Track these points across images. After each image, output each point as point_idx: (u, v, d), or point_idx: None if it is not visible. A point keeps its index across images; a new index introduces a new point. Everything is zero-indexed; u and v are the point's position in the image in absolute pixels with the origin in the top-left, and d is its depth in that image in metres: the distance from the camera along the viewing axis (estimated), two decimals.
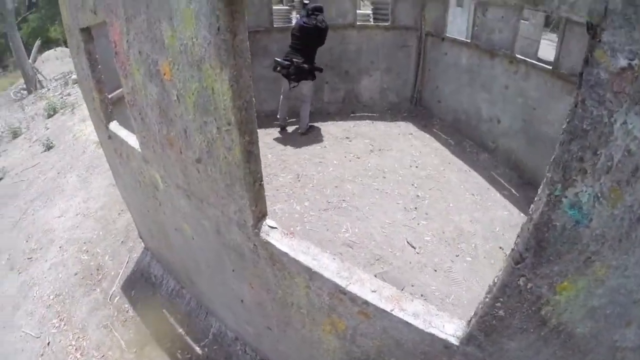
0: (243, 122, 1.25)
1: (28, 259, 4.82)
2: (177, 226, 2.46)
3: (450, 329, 1.12)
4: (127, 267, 4.10)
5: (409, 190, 4.27)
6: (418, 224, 3.77)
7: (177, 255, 2.99)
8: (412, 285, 3.14)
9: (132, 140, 2.48)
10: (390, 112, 6.07)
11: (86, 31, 2.45)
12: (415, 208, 3.98)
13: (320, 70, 5.15)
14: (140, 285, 3.88)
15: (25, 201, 6.11)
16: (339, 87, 6.00)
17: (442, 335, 1.12)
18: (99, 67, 2.69)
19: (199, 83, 1.25)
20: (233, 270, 2.10)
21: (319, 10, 4.94)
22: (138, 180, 2.70)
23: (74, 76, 14.93)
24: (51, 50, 20.51)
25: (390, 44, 5.68)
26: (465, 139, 5.24)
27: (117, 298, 3.81)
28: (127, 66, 1.78)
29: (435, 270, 3.30)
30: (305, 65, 4.89)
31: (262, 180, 1.53)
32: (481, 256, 3.48)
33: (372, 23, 6.35)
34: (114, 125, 2.81)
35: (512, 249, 0.91)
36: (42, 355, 3.61)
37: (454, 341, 1.10)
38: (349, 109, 6.10)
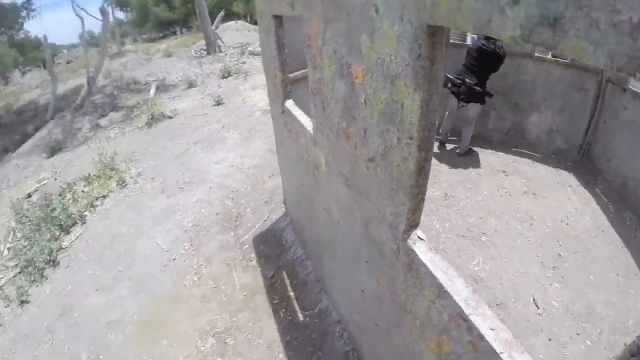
0: (423, 140, 1.78)
1: (179, 188, 7.14)
2: (326, 206, 3.49)
3: None
4: (264, 224, 5.76)
5: (552, 247, 5.02)
6: (550, 284, 4.50)
7: (316, 231, 4.15)
8: (520, 344, 4.00)
9: (304, 120, 3.60)
10: (554, 156, 7.02)
11: (278, 18, 3.66)
12: (553, 267, 4.72)
13: (491, 95, 6.23)
14: (270, 243, 5.41)
15: (188, 141, 8.88)
16: (506, 117, 7.21)
17: None
18: (285, 50, 3.97)
19: (389, 95, 1.82)
20: (366, 262, 2.92)
21: None
22: (301, 156, 3.88)
23: (250, 48, 19.19)
24: (232, 22, 28.29)
25: (568, 83, 6.53)
26: (628, 209, 5.79)
27: (246, 246, 5.46)
28: (318, 60, 2.64)
29: (550, 340, 3.96)
30: (477, 88, 6.11)
31: (424, 194, 2.09)
32: (602, 345, 3.96)
33: (550, 57, 6.93)
34: (290, 103, 4.11)
35: (633, 341, 1.40)
36: (165, 265, 5.46)
37: None
38: (512, 142, 7.23)
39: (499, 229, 5.27)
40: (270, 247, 5.38)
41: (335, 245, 3.60)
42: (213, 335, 4.38)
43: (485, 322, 1.69)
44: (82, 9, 17.10)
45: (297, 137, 3.93)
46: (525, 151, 7.06)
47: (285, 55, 3.97)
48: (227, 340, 4.29)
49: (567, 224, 5.46)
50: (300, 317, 4.41)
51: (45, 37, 17.04)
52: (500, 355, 1.55)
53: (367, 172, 2.40)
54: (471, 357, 1.77)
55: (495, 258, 4.80)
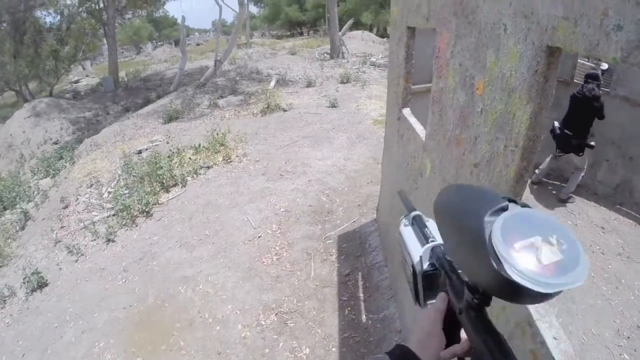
0: (527, 149, 1.95)
1: (280, 175, 7.74)
2: (424, 213, 4.21)
3: None
4: (352, 225, 6.06)
5: (633, 316, 4.74)
6: (620, 354, 4.30)
7: None
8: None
9: (418, 127, 3.88)
10: None
11: (411, 29, 4.03)
12: (628, 337, 4.48)
13: (591, 147, 6.09)
14: (353, 243, 5.68)
15: (297, 135, 9.57)
16: (617, 171, 6.82)
17: None
18: (413, 61, 4.30)
19: (504, 107, 2.04)
20: None
21: (593, 78, 5.92)
22: (407, 162, 4.15)
23: (372, 59, 20.62)
24: (359, 31, 29.83)
25: None
26: None
27: (329, 241, 5.79)
28: (444, 70, 2.91)
29: None
30: (573, 141, 6.06)
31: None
32: None
33: None
34: (407, 111, 4.42)
35: None
36: (249, 240, 5.96)
37: None
38: (618, 198, 6.82)
39: (584, 285, 5.05)
40: (353, 247, 5.65)
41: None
42: (276, 314, 4.73)
43: (550, 330, 1.81)
44: None
45: (407, 144, 4.23)
46: (630, 211, 6.63)
47: (411, 65, 4.33)
48: (287, 322, 4.61)
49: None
50: (364, 318, 4.61)
51: (183, 18, 19.16)
52: None
53: (469, 176, 2.61)
54: None
55: (570, 312, 4.63)
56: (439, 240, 0.90)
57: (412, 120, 4.13)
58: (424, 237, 0.94)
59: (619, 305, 4.93)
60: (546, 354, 1.72)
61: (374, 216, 6.20)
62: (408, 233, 0.99)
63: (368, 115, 10.91)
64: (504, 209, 0.57)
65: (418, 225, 1.00)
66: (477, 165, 2.48)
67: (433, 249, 0.89)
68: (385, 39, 31.04)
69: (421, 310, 0.92)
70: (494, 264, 0.52)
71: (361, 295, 4.94)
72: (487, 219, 0.56)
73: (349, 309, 4.77)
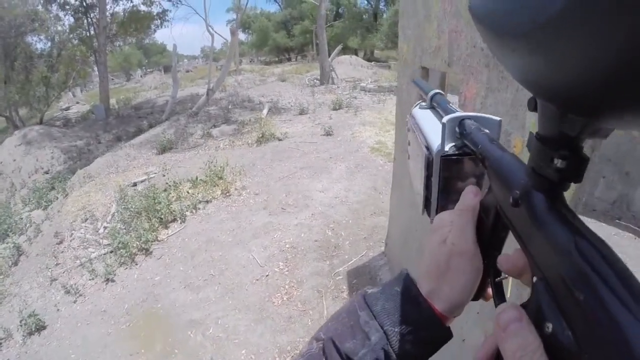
0: None
1: (282, 209, 7.61)
2: None
3: None
4: (360, 260, 5.95)
5: None
6: None
7: (414, 273, 4.79)
8: None
9: None
10: None
11: (425, 69, 4.10)
12: None
13: None
14: (363, 278, 5.55)
15: (295, 165, 9.46)
16: (615, 187, 7.01)
17: None
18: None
19: None
20: (477, 313, 2.90)
21: None
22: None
23: (362, 84, 20.76)
24: (347, 56, 29.88)
25: None
26: None
27: (339, 277, 5.66)
28: None
29: None
30: None
31: None
32: None
33: None
34: None
35: None
36: (257, 279, 5.81)
37: None
38: (617, 213, 6.92)
39: None
40: (363, 283, 5.54)
41: None
42: (292, 357, 4.54)
43: None
44: (210, 26, 19.14)
45: None
46: (629, 224, 6.68)
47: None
48: None
49: None
50: None
51: (174, 46, 19.15)
52: None
53: None
54: None
55: None
56: (468, 113, 0.63)
57: None
58: (446, 113, 0.66)
59: None
60: None
61: (381, 249, 6.11)
62: (425, 115, 0.74)
63: (364, 142, 10.90)
64: None
65: (439, 104, 0.73)
66: None
67: (461, 123, 0.61)
68: (373, 63, 31.44)
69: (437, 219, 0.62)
70: None
71: None
72: None
73: None
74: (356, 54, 37.37)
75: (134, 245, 7.25)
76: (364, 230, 6.74)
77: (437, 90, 0.75)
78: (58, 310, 6.38)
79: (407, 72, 4.52)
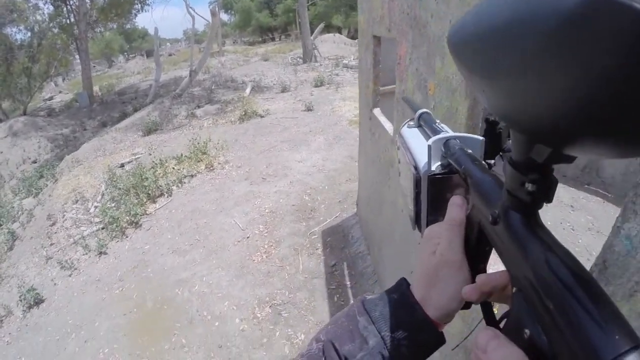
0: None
1: (262, 178, 8.10)
2: (393, 199, 4.11)
3: None
4: (334, 220, 6.46)
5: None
6: None
7: (380, 223, 4.78)
8: None
9: (387, 125, 4.28)
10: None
11: (377, 38, 4.49)
12: None
13: None
14: (337, 237, 6.07)
15: (276, 139, 9.92)
16: None
17: None
18: (380, 65, 4.76)
19: (450, 103, 2.51)
20: (419, 243, 3.89)
21: None
22: (378, 156, 4.58)
23: (345, 61, 20.67)
24: (330, 34, 30.38)
25: None
26: None
27: (314, 236, 6.16)
28: (404, 75, 3.37)
29: None
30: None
31: None
32: None
33: None
34: (377, 111, 4.83)
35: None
36: (239, 241, 6.30)
37: None
38: (586, 179, 7.28)
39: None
40: (336, 240, 6.05)
41: (394, 233, 4.21)
42: (270, 306, 5.08)
43: None
44: (191, 8, 19.31)
45: (378, 140, 4.68)
46: (598, 189, 7.17)
47: (378, 70, 4.81)
48: (282, 312, 4.97)
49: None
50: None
51: (156, 29, 19.31)
52: None
53: None
54: None
55: None
56: (453, 133, 0.67)
57: (382, 119, 4.57)
58: (433, 133, 0.70)
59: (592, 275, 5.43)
60: None
61: (354, 210, 6.59)
62: (413, 134, 0.78)
63: (343, 116, 11.34)
64: None
65: (426, 123, 0.77)
66: None
67: (446, 143, 0.65)
68: (356, 41, 31.43)
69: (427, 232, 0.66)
70: None
71: (348, 282, 5.33)
72: None
73: (338, 296, 5.16)
74: (340, 32, 37.35)
75: (124, 219, 7.70)
76: (339, 194, 7.25)
77: (425, 110, 0.80)
78: (55, 284, 6.85)
79: (364, 41, 5.01)
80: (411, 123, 0.83)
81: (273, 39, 46.10)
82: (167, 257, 6.41)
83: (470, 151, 0.62)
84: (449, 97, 2.55)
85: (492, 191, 0.51)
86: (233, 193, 7.79)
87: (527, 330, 0.40)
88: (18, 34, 22.01)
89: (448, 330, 0.64)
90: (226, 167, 9.00)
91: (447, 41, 0.45)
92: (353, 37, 36.11)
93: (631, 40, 0.23)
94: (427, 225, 0.67)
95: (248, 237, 6.42)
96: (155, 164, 9.52)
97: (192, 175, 8.89)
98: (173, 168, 9.26)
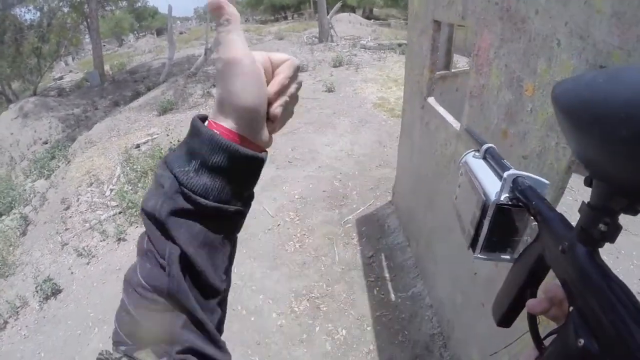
0: None
1: (288, 162, 7.77)
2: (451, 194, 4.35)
3: None
4: (368, 208, 6.15)
5: (633, 283, 5.01)
6: None
7: (430, 218, 4.53)
8: None
9: (449, 117, 4.03)
10: None
11: (437, 23, 4.18)
12: None
13: None
14: (372, 226, 5.77)
15: (299, 121, 9.58)
16: None
17: None
18: (438, 52, 4.43)
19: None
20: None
21: None
22: (435, 149, 4.31)
23: (363, 42, 20.95)
24: (345, 14, 29.76)
25: None
26: None
27: (348, 225, 5.86)
28: (485, 68, 3.08)
29: None
30: None
31: (565, 189, 2.45)
32: None
33: None
34: (432, 100, 4.56)
35: None
36: (269, 229, 6.01)
37: None
38: None
39: None
40: (372, 230, 5.74)
41: (451, 231, 3.91)
42: (308, 299, 4.80)
43: None
44: None
45: (435, 132, 4.37)
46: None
47: (436, 57, 4.46)
48: (320, 306, 4.69)
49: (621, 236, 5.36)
50: (393, 297, 4.72)
51: (170, 7, 18.84)
52: None
53: (518, 166, 2.79)
54: None
55: None
56: (522, 172, 0.73)
57: (441, 109, 4.27)
58: (502, 168, 0.77)
59: (619, 273, 5.09)
60: None
61: (388, 198, 6.29)
62: (478, 164, 0.85)
63: (367, 99, 10.96)
64: None
65: (492, 158, 0.84)
66: (526, 157, 2.67)
67: (515, 180, 0.72)
68: (372, 21, 30.97)
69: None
70: None
71: (387, 275, 5.05)
72: None
73: (377, 289, 4.89)
74: (354, 12, 36.69)
75: None
76: (370, 181, 6.92)
77: (491, 145, 0.87)
78: (72, 273, 6.61)
79: (417, 26, 4.67)
80: (477, 154, 0.88)
81: (285, 18, 45.42)
82: None
83: (538, 190, 0.68)
84: None
85: (561, 227, 0.58)
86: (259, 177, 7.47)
87: (581, 340, 0.48)
88: (27, 14, 21.63)
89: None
90: None
91: (554, 95, 0.50)
92: (368, 17, 35.50)
93: None
94: (483, 248, 0.74)
95: (279, 225, 6.12)
96: (173, 144, 9.18)
97: None
98: None
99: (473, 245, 0.78)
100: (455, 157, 3.85)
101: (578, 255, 0.53)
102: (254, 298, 4.93)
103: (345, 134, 8.77)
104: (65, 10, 21.98)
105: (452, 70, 6.26)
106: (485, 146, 0.87)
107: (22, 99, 18.26)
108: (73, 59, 35.23)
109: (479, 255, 0.76)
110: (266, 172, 7.55)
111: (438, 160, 4.25)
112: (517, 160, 2.76)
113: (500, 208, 0.71)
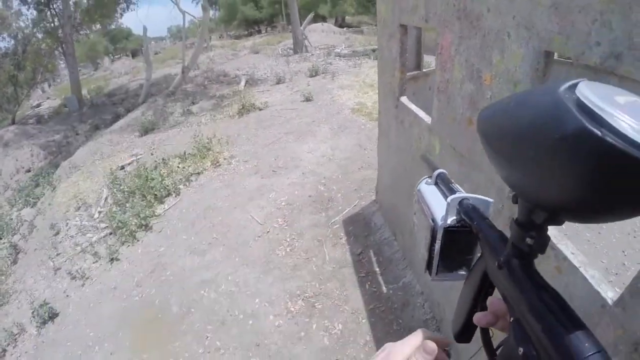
0: None
1: (273, 171, 7.91)
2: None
3: (610, 293, 2.05)
4: (354, 209, 6.33)
5: (617, 256, 5.33)
6: (613, 289, 4.81)
7: (411, 210, 5.18)
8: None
9: (421, 114, 4.24)
10: None
11: (404, 27, 4.43)
12: (616, 274, 5.02)
13: None
14: (359, 225, 5.95)
15: (279, 131, 9.73)
16: None
17: (603, 295, 2.02)
18: (407, 54, 4.71)
19: (510, 94, 2.82)
20: None
21: None
22: (411, 144, 4.51)
23: (337, 50, 21.17)
24: (318, 24, 30.00)
25: None
26: None
27: (336, 226, 6.03)
28: (449, 65, 3.33)
29: None
30: None
31: None
32: None
33: None
34: (405, 99, 4.79)
35: None
36: (259, 236, 6.15)
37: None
38: None
39: (568, 233, 5.49)
40: (359, 229, 5.93)
41: None
42: (302, 299, 4.96)
43: (567, 248, 2.30)
44: (175, 4, 18.97)
45: (409, 128, 4.61)
46: None
47: (405, 58, 4.74)
48: (315, 304, 4.85)
49: (634, 237, 5.64)
50: (384, 289, 4.91)
51: (145, 28, 18.91)
52: (579, 269, 2.18)
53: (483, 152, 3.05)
54: (555, 280, 2.32)
55: None
56: (467, 194, 0.78)
57: (413, 107, 4.51)
58: (449, 192, 0.82)
59: (603, 247, 5.39)
60: (569, 265, 2.23)
61: (372, 198, 6.49)
62: (430, 190, 0.89)
63: (344, 105, 11.18)
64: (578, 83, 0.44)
65: (443, 182, 0.89)
66: None
67: (461, 201, 0.76)
68: (345, 29, 31.35)
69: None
70: (594, 130, 0.37)
71: (377, 269, 5.24)
72: (562, 90, 0.43)
73: (369, 283, 5.07)
74: (325, 21, 37.08)
75: (133, 222, 7.50)
76: (354, 183, 7.13)
77: (442, 170, 0.92)
78: (67, 296, 6.64)
79: (386, 31, 4.94)
80: (429, 180, 0.94)
81: (259, 32, 45.71)
82: (185, 259, 6.24)
83: (481, 210, 0.74)
84: (510, 88, 2.64)
85: (498, 244, 0.63)
86: (245, 188, 7.62)
87: (521, 349, 0.52)
88: (2, 42, 21.47)
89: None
90: (233, 163, 8.81)
91: (477, 122, 0.57)
92: (341, 26, 35.90)
93: (593, 159, 0.38)
94: (438, 270, 0.79)
95: (268, 232, 6.28)
96: (158, 163, 9.31)
97: (198, 173, 8.70)
98: (178, 166, 9.06)
99: (429, 268, 0.81)
100: (429, 150, 4.08)
101: (512, 269, 0.58)
102: (250, 302, 5.08)
103: (325, 140, 8.97)
104: (40, 36, 21.83)
105: (423, 70, 6.51)
106: (436, 172, 0.92)
107: (1, 129, 18.10)
108: (49, 85, 34.84)
109: (435, 278, 0.80)
110: (252, 182, 7.73)
111: (414, 155, 4.49)
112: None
113: (447, 231, 0.76)
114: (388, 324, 4.47)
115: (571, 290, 2.31)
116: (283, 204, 6.86)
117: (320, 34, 26.14)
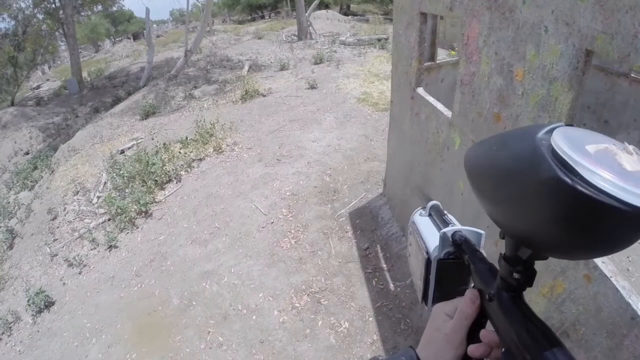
0: (569, 123, 2.01)
1: (277, 160, 7.71)
2: (448, 182, 3.96)
3: None
4: (360, 201, 6.14)
5: (621, 261, 5.26)
6: None
7: None
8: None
9: (439, 105, 4.08)
10: None
11: (423, 15, 4.23)
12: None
13: None
14: (365, 218, 5.76)
15: (284, 119, 9.53)
16: None
17: (633, 306, 1.92)
18: (425, 44, 4.51)
19: (546, 91, 2.42)
20: (487, 227, 3.70)
21: None
22: (427, 138, 4.35)
23: (342, 38, 20.96)
24: (322, 11, 29.68)
25: None
26: None
27: (342, 219, 5.85)
28: (475, 56, 3.15)
29: None
30: None
31: None
32: None
33: None
34: (421, 90, 4.60)
35: None
36: (263, 227, 5.97)
37: None
38: None
39: None
40: (366, 222, 5.75)
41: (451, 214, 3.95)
42: (308, 295, 4.79)
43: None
44: None
45: (426, 121, 4.41)
46: None
47: (423, 48, 4.54)
48: (321, 300, 4.68)
49: (639, 242, 5.50)
50: (392, 287, 4.74)
51: (147, 10, 18.49)
52: (610, 278, 2.10)
53: None
54: (584, 289, 2.27)
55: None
56: (460, 226, 0.80)
57: (430, 99, 4.31)
58: (442, 224, 0.84)
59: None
60: (599, 274, 2.15)
61: (379, 191, 6.30)
62: (424, 222, 0.91)
63: (350, 94, 10.93)
64: (555, 128, 0.48)
65: (436, 214, 0.91)
66: None
67: (454, 234, 0.77)
68: (350, 17, 30.96)
69: (440, 308, 0.76)
70: (566, 179, 0.40)
71: (384, 265, 5.07)
72: (540, 136, 0.46)
73: (376, 280, 4.90)
74: (328, 8, 36.60)
75: (133, 209, 7.30)
76: (360, 174, 6.94)
77: (436, 202, 0.93)
78: (64, 284, 6.47)
79: (403, 19, 4.72)
80: (422, 212, 0.94)
81: (263, 17, 45.13)
82: (186, 248, 6.05)
83: (473, 242, 0.76)
84: (545, 85, 2.52)
85: (488, 277, 0.67)
86: (248, 176, 7.40)
87: None
88: (2, 22, 21.08)
89: None
90: (236, 149, 8.58)
91: (464, 160, 0.62)
92: (346, 14, 35.46)
93: (566, 204, 0.41)
94: (434, 300, 0.81)
95: (272, 222, 6.08)
96: (159, 148, 9.07)
97: (200, 159, 8.48)
98: (179, 152, 8.83)
99: (424, 299, 0.83)
100: (448, 144, 3.87)
101: (501, 301, 0.61)
102: (254, 296, 4.91)
103: (331, 129, 8.75)
104: (40, 17, 21.44)
105: (437, 62, 6.29)
106: (430, 204, 0.94)
107: (0, 110, 17.84)
108: (50, 67, 34.52)
109: (431, 308, 0.80)
110: (255, 171, 7.52)
111: (430, 149, 4.30)
112: None
113: (441, 263, 0.78)
114: (395, 323, 4.30)
115: (600, 301, 2.22)
116: (288, 193, 6.66)
117: (324, 21, 25.75)
